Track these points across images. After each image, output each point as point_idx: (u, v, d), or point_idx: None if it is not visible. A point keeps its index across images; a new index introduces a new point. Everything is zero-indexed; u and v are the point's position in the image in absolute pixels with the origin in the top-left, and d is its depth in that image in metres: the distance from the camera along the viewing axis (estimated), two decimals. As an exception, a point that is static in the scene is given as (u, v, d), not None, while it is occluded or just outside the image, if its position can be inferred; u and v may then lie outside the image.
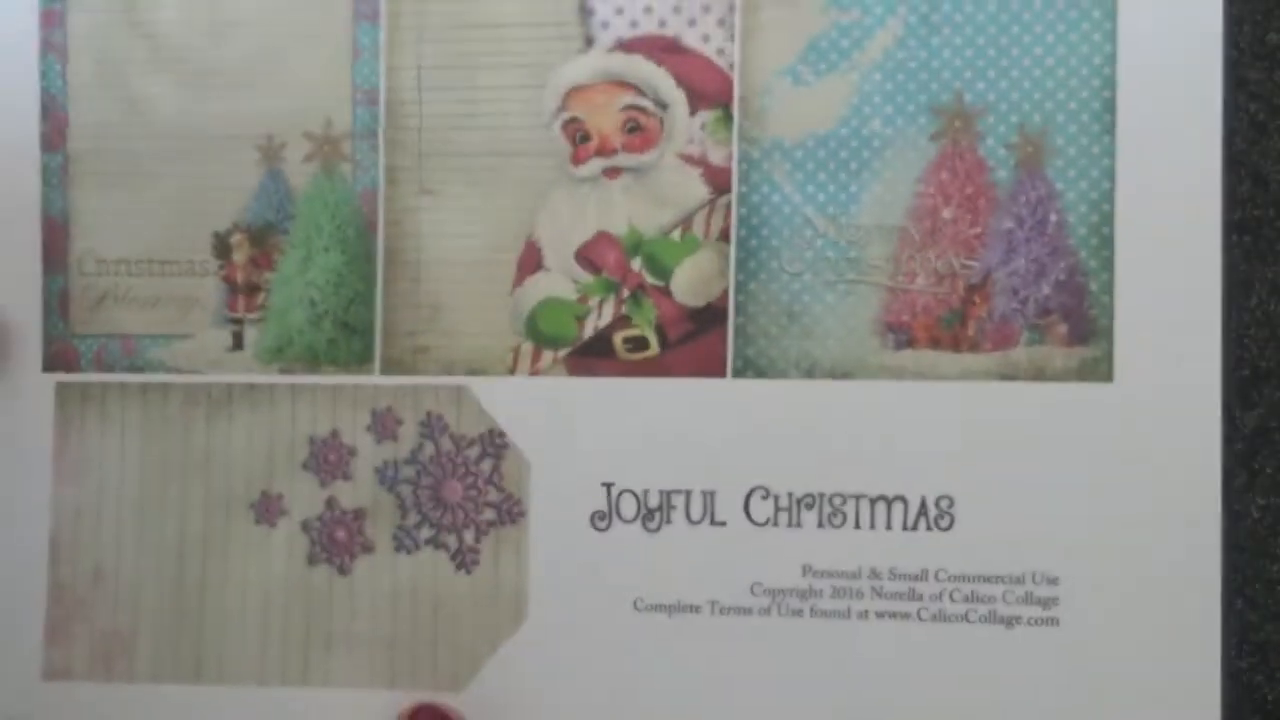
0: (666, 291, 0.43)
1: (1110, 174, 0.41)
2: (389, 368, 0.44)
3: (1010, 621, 0.41)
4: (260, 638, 0.44)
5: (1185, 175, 0.40)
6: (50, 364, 0.45)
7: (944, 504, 0.41)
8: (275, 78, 0.44)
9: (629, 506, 0.43)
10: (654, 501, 0.43)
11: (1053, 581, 0.41)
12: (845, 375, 0.42)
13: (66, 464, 0.45)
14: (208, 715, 0.44)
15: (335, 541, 0.44)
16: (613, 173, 0.43)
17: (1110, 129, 0.41)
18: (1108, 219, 0.41)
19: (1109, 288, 0.41)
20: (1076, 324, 0.41)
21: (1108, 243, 0.41)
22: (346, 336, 0.44)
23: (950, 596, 0.41)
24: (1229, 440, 0.56)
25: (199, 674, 0.44)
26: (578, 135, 0.43)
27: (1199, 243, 0.40)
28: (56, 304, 0.45)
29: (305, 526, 0.44)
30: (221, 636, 0.44)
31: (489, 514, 0.43)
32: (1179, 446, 0.41)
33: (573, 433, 0.43)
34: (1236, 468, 0.57)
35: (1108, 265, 0.41)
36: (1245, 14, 0.54)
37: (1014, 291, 0.41)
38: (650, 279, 0.43)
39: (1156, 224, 0.40)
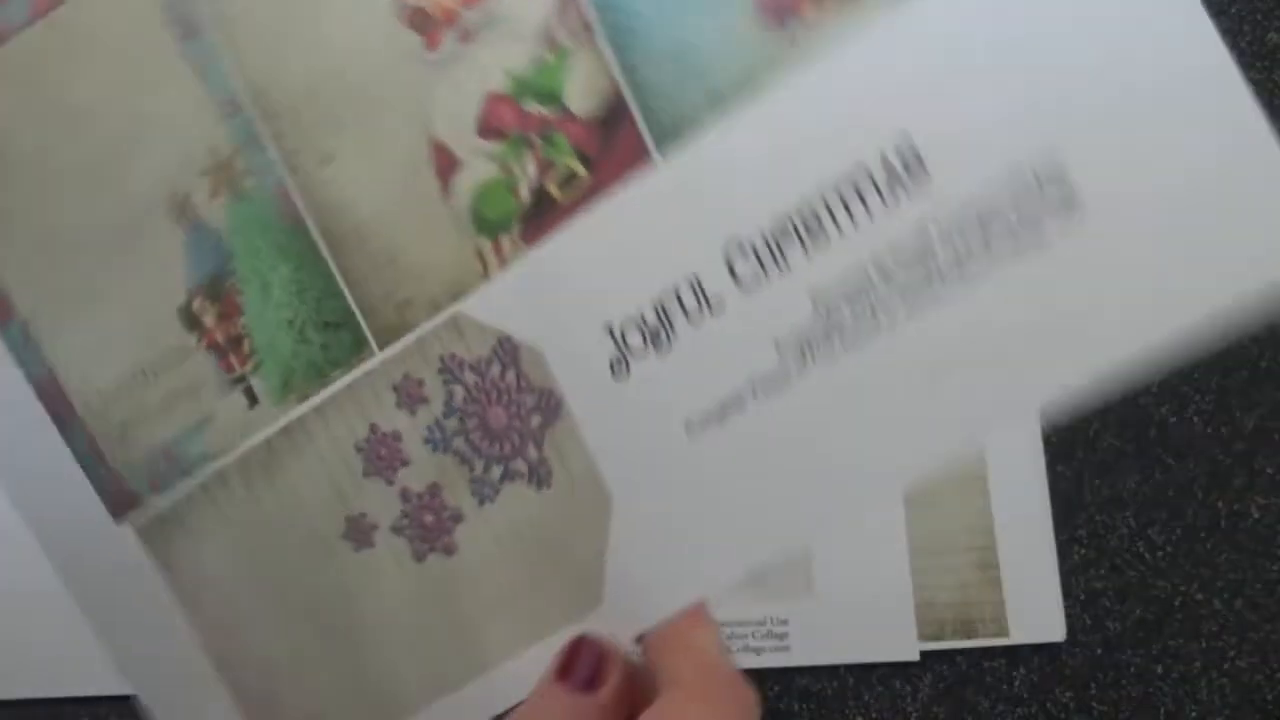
0: (569, 115, 0.51)
1: None
2: (384, 338, 0.54)
3: (1036, 226, 0.47)
4: (417, 654, 0.54)
5: None
6: (117, 511, 0.57)
7: (905, 150, 0.47)
8: (139, 142, 0.56)
9: (635, 338, 0.50)
10: (652, 319, 0.50)
11: (1060, 177, 0.46)
12: (751, 86, 0.49)
13: (185, 591, 0.57)
14: None
15: (428, 527, 0.54)
16: (465, 37, 0.51)
17: None
18: None
19: None
20: None
21: None
22: (334, 334, 0.54)
23: (961, 234, 0.47)
24: (1229, 440, 0.67)
25: (387, 716, 0.55)
26: (423, 22, 0.52)
27: None
28: (89, 454, 0.57)
29: (396, 529, 0.54)
30: (386, 673, 0.55)
31: (535, 420, 0.52)
32: None
33: (559, 299, 0.51)
34: (1236, 468, 0.68)
35: None
36: (1245, 14, 0.62)
37: None
38: (549, 113, 0.51)
39: None
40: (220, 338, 0.56)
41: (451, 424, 0.53)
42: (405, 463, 0.53)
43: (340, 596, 0.55)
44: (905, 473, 0.49)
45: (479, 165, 0.53)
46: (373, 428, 0.54)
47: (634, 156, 0.51)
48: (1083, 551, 0.69)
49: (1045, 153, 0.46)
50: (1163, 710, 0.69)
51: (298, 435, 0.55)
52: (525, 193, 0.52)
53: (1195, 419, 0.69)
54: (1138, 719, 0.69)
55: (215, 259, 0.55)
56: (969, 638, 0.68)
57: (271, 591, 0.56)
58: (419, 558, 0.54)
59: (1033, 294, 0.46)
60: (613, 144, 0.51)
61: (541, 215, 0.52)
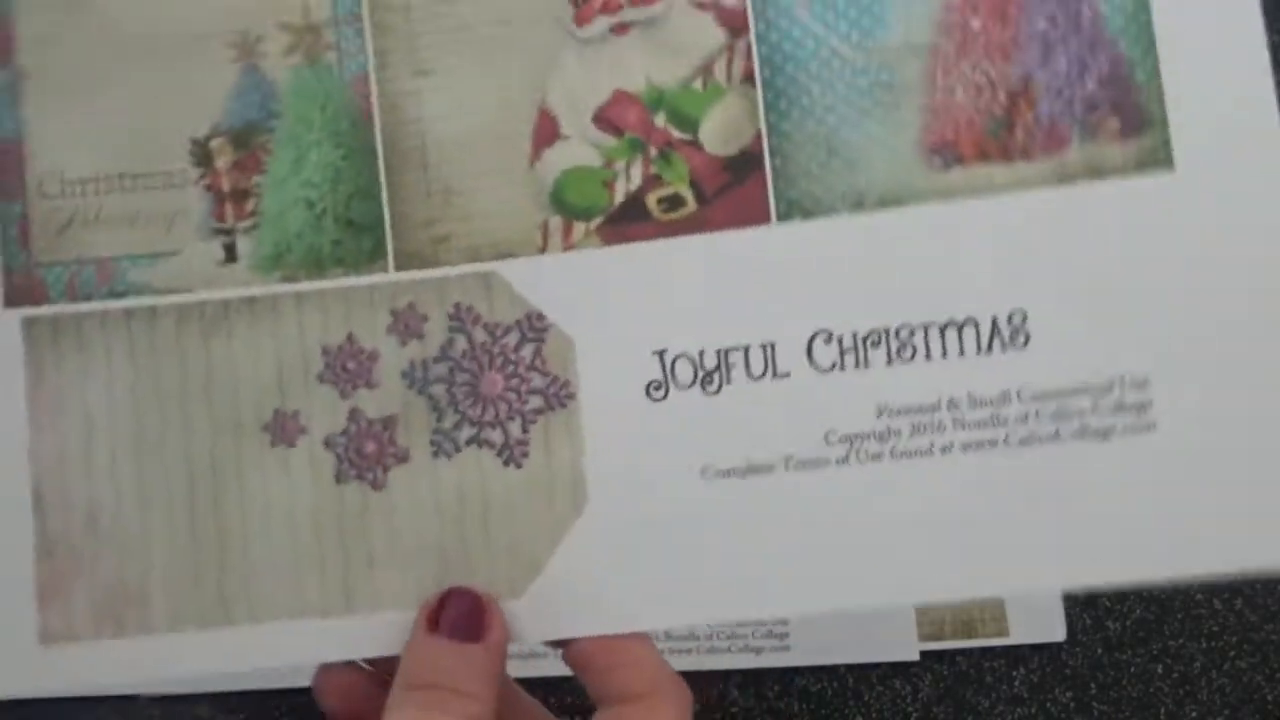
0: (696, 144, 0.52)
1: None
2: (405, 262, 0.53)
3: (1104, 434, 0.51)
4: (292, 568, 0.52)
5: None
6: (13, 299, 0.53)
7: (1017, 320, 0.51)
8: None
9: (685, 371, 0.52)
10: (710, 362, 0.52)
11: (1142, 385, 0.51)
12: (895, 203, 0.52)
13: (43, 407, 0.52)
14: (241, 659, 0.52)
15: (364, 455, 0.53)
16: (621, 29, 0.53)
17: None
18: (1144, 6, 0.51)
19: (1155, 74, 0.51)
20: (1128, 115, 0.51)
21: (1146, 29, 0.51)
22: (353, 235, 0.53)
23: (1036, 416, 0.51)
24: None
25: (228, 615, 0.52)
26: None
27: (1239, 13, 0.51)
28: (16, 233, 0.53)
29: (329, 443, 0.53)
30: (248, 572, 0.52)
31: (535, 401, 0.52)
32: (1251, 224, 0.51)
33: (617, 304, 0.52)
34: None
35: (1150, 52, 0.51)
36: None
37: (1058, 92, 0.51)
38: (677, 133, 0.53)
39: (1193, 3, 0.51)
40: (226, 184, 0.55)
41: (439, 369, 0.54)
42: (370, 385, 0.53)
43: (226, 480, 0.54)
44: (901, 594, 0.52)
45: (579, 149, 0.54)
46: (350, 337, 0.54)
47: (751, 211, 0.53)
48: None
49: (1137, 366, 0.50)
50: (1163, 710, 0.69)
51: (262, 309, 0.54)
52: (620, 193, 0.54)
53: None
54: (1138, 719, 0.69)
55: (258, 110, 0.55)
56: (969, 638, 0.68)
57: (145, 448, 0.54)
58: (340, 478, 0.54)
59: (1079, 483, 0.50)
60: (733, 190, 0.54)
61: (628, 221, 0.54)
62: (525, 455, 0.53)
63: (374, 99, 0.54)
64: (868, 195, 0.53)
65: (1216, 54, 0.52)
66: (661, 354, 0.53)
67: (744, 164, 0.53)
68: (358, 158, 0.54)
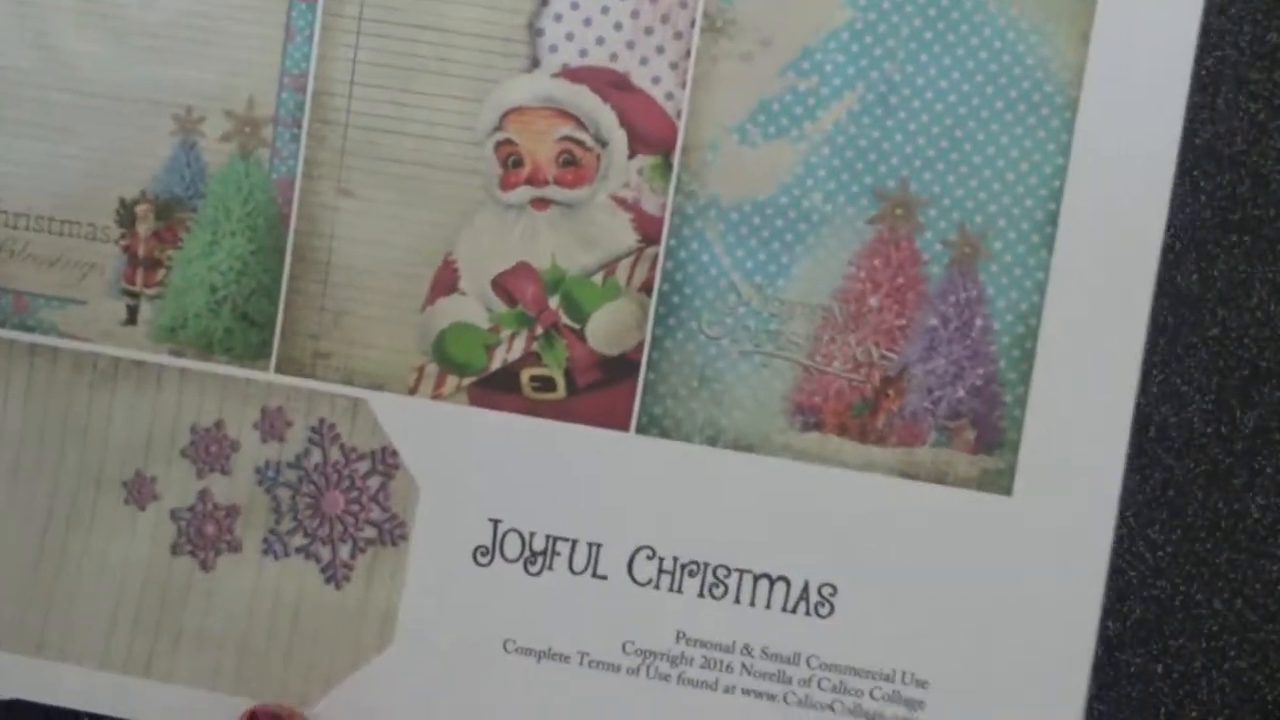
0: (581, 335, 0.54)
1: (1042, 288, 0.52)
2: (285, 367, 0.55)
3: (873, 718, 0.54)
4: (109, 620, 0.56)
5: (1116, 300, 0.52)
6: None
7: (826, 591, 0.53)
8: (202, 48, 0.55)
9: (513, 546, 0.54)
10: (539, 544, 0.54)
11: (922, 684, 0.53)
12: (748, 448, 0.53)
13: None
14: (43, 691, 0.56)
15: (203, 535, 0.55)
16: (541, 204, 0.54)
17: (1049, 243, 0.52)
18: (1033, 333, 0.52)
19: (1023, 401, 0.52)
20: (985, 432, 0.53)
21: (1029, 356, 0.52)
22: (244, 328, 0.55)
23: (819, 684, 0.53)
24: (1229, 440, 0.66)
25: (40, 648, 0.56)
26: (510, 159, 0.54)
27: (1119, 370, 0.52)
28: None
29: (174, 515, 0.55)
30: (70, 613, 0.56)
31: (369, 531, 0.55)
32: (1066, 570, 0.52)
33: (467, 463, 0.54)
34: (1236, 468, 0.66)
35: (1025, 379, 0.52)
36: (1245, 14, 0.61)
37: (929, 390, 0.53)
38: (566, 319, 0.54)
39: (1079, 345, 0.52)
40: (142, 250, 0.57)
41: (290, 475, 0.56)
42: (225, 472, 0.56)
43: (78, 526, 0.57)
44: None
45: (472, 306, 0.56)
46: (219, 423, 0.56)
47: (614, 415, 0.55)
48: None
49: (922, 667, 0.54)
50: (1163, 710, 0.68)
51: (148, 375, 0.57)
52: (497, 359, 0.56)
53: (1195, 419, 0.66)
54: (1137, 719, 0.68)
55: (186, 187, 0.56)
56: None
57: (18, 478, 0.57)
58: (175, 550, 0.57)
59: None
60: (604, 390, 0.56)
61: (498, 388, 0.56)
62: (347, 579, 0.56)
63: (294, 205, 0.56)
64: (725, 433, 0.55)
65: (1086, 401, 0.53)
66: (496, 523, 0.56)
67: (620, 368, 0.55)
68: (266, 256, 0.56)
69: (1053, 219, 0.53)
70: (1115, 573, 0.65)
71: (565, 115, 0.55)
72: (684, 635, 0.55)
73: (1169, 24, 0.52)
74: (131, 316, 0.57)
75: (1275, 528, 0.67)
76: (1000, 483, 0.53)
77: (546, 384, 0.55)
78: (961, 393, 0.53)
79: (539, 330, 0.55)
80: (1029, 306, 0.54)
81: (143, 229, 0.57)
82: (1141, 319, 0.52)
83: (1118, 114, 0.52)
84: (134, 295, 0.57)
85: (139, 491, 0.57)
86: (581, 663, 0.55)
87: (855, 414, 0.53)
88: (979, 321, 0.53)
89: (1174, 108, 0.52)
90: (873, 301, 0.53)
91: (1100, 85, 0.53)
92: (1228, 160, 0.55)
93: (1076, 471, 0.53)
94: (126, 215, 0.57)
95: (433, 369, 0.56)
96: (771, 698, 0.54)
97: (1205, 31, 0.57)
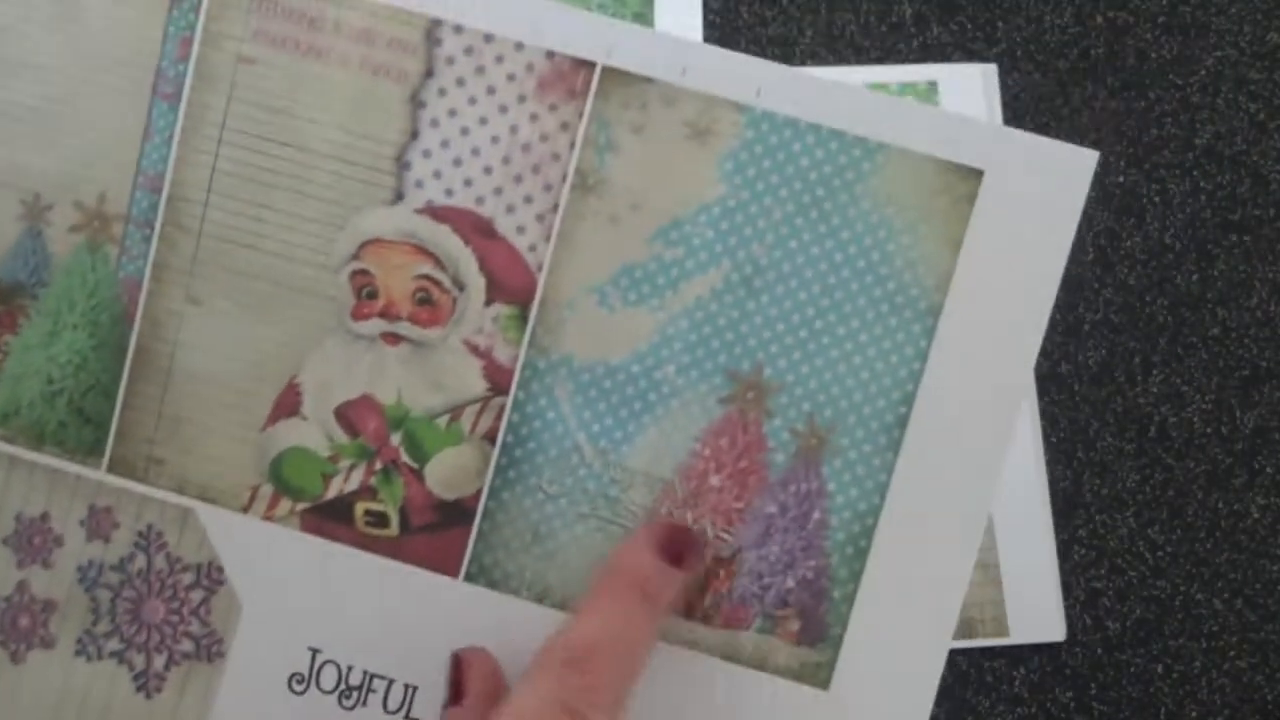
0: (419, 475, 0.54)
1: (883, 489, 0.52)
2: (118, 467, 0.54)
3: None
4: None
5: (956, 510, 0.52)
6: None
7: None
8: (57, 133, 0.53)
9: (330, 677, 0.54)
10: (355, 679, 0.54)
11: None
12: (574, 609, 0.54)
13: None
14: None
15: (17, 627, 0.55)
16: (392, 339, 0.53)
17: (896, 445, 0.52)
18: (868, 532, 0.52)
19: (850, 599, 0.53)
20: (809, 625, 0.53)
21: (861, 555, 0.52)
22: (80, 424, 0.54)
23: None
24: (1229, 440, 0.68)
25: None
26: (364, 289, 0.53)
27: (949, 577, 0.52)
28: None
29: None
30: None
31: (186, 645, 0.54)
32: None
33: (293, 587, 0.54)
34: (1236, 468, 0.69)
35: (855, 577, 0.52)
36: (1245, 14, 0.64)
37: (759, 575, 0.52)
38: (406, 458, 0.54)
39: (912, 552, 0.52)
40: (-24, 335, 0.54)
41: (111, 577, 0.55)
42: (46, 566, 0.55)
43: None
44: None
45: (312, 433, 0.55)
46: (45, 515, 0.55)
47: (444, 559, 0.55)
48: (1083, 551, 0.68)
49: None
50: (1163, 710, 0.68)
51: (-26, 460, 0.54)
52: (333, 489, 0.55)
53: (1195, 419, 0.69)
54: (1138, 719, 0.69)
55: (29, 274, 0.55)
56: (969, 638, 0.68)
57: None
58: (-11, 638, 0.55)
59: None
60: (437, 533, 0.55)
61: (331, 518, 0.56)
62: (159, 690, 0.56)
63: (140, 306, 0.55)
64: (553, 591, 0.55)
65: (910, 609, 0.53)
66: (315, 652, 0.55)
67: (455, 513, 0.55)
68: (107, 354, 0.55)
69: (902, 422, 0.53)
70: (1115, 572, 0.69)
71: (425, 253, 0.54)
72: None
73: (1040, 241, 0.52)
74: (-39, 400, 0.55)
75: (1275, 528, 0.69)
76: (819, 676, 0.54)
77: (380, 519, 0.55)
78: (791, 583, 0.53)
79: (378, 465, 0.55)
80: (867, 506, 0.54)
81: (-21, 312, 0.54)
82: (977, 531, 0.52)
83: (980, 326, 0.52)
84: (-35, 379, 0.54)
85: (-47, 573, 0.55)
86: None
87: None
88: (816, 514, 0.53)
89: (1035, 324, 0.52)
90: (714, 481, 0.53)
91: (966, 294, 0.52)
92: (1228, 160, 0.57)
93: (895, 673, 0.53)
94: (-35, 296, 0.54)
95: (267, 489, 0.55)
96: None
97: (1205, 31, 0.60)
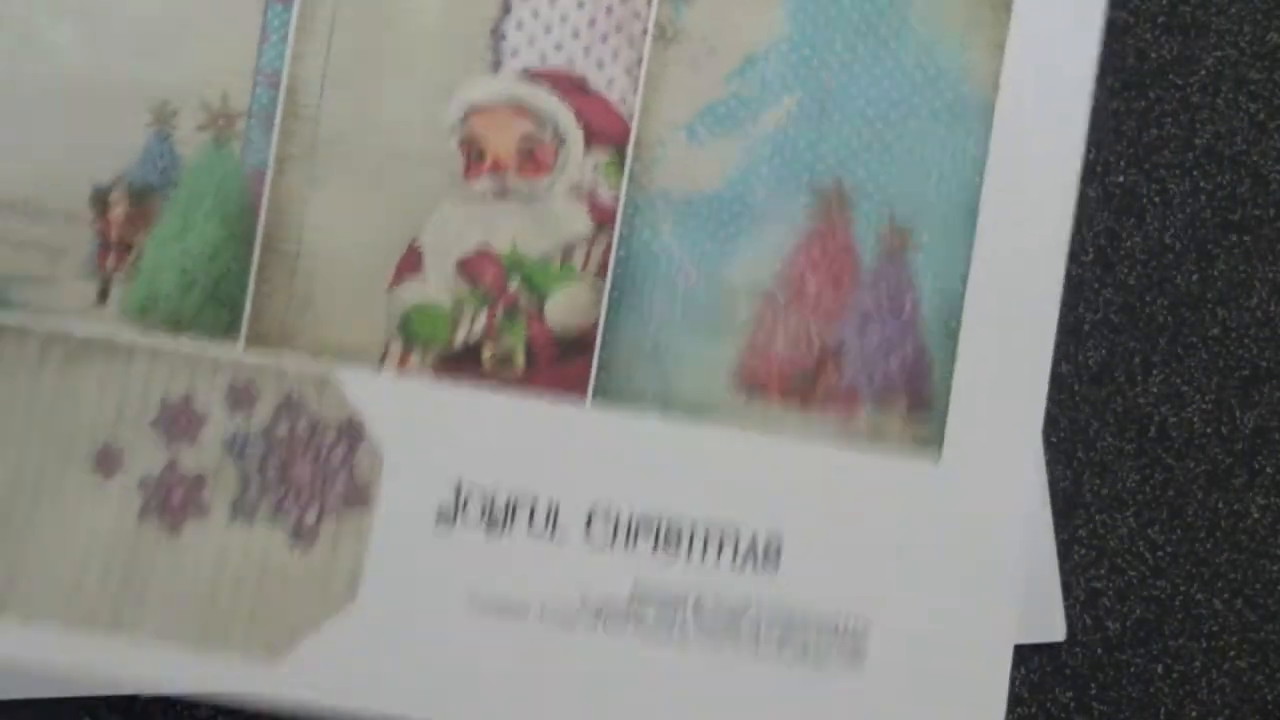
0: (539, 315, 0.58)
1: (964, 275, 0.58)
2: (254, 344, 0.58)
3: (820, 660, 0.58)
4: (74, 580, 0.58)
5: (1031, 282, 0.58)
6: None
7: (772, 547, 0.59)
8: (179, 43, 0.58)
9: (475, 508, 0.58)
10: (499, 506, 0.58)
11: (863, 628, 0.58)
12: (697, 416, 0.58)
13: None
14: (4, 650, 0.58)
15: (169, 501, 0.58)
16: (503, 193, 0.59)
17: (970, 234, 0.58)
18: (956, 313, 0.58)
19: (949, 375, 0.58)
20: (916, 402, 0.58)
21: (953, 335, 0.58)
22: (214, 308, 0.58)
23: (767, 631, 0.58)
24: (1229, 440, 0.68)
25: (3, 607, 0.58)
26: (473, 152, 0.58)
27: (1032, 352, 0.58)
28: None
29: (142, 483, 0.58)
30: (34, 573, 0.57)
31: (335, 499, 0.58)
32: (990, 527, 0.58)
33: (432, 432, 0.58)
34: (1236, 468, 0.68)
35: (951, 355, 0.58)
36: (1245, 14, 0.64)
37: (863, 363, 0.58)
38: (525, 301, 0.59)
39: (997, 326, 0.58)
40: (114, 235, 0.59)
41: (257, 445, 0.58)
42: (192, 442, 0.58)
43: (42, 495, 0.59)
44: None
45: (435, 289, 0.60)
46: (187, 398, 0.58)
47: (571, 387, 0.59)
48: (1083, 551, 0.69)
49: (858, 611, 0.58)
50: (1163, 710, 0.68)
51: (119, 353, 0.59)
52: (459, 337, 0.59)
53: (1195, 419, 0.68)
54: (1138, 719, 0.68)
55: (159, 176, 0.59)
56: None
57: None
58: (142, 515, 0.59)
59: (790, 700, 0.57)
60: (560, 366, 0.59)
61: (460, 364, 0.60)
62: (313, 543, 0.59)
63: (265, 195, 0.59)
64: (675, 402, 0.59)
65: (1006, 375, 0.58)
66: (459, 487, 0.59)
67: (575, 345, 0.59)
68: (236, 243, 0.59)
69: (972, 215, 0.59)
70: (1115, 572, 0.68)
71: (525, 113, 0.59)
72: (638, 588, 0.58)
73: (1074, 37, 0.58)
74: (103, 296, 0.59)
75: (1275, 528, 0.68)
76: (929, 445, 0.59)
77: (506, 360, 0.59)
78: (894, 366, 0.58)
79: (500, 310, 0.59)
80: (952, 290, 0.59)
81: (116, 214, 0.59)
82: (1053, 305, 0.58)
83: (1029, 117, 0.58)
84: (106, 277, 0.59)
85: (106, 461, 0.59)
86: (540, 617, 0.59)
87: (796, 385, 0.58)
88: (908, 303, 0.59)
89: (1079, 112, 0.59)
90: (811, 286, 0.58)
91: (1013, 89, 0.59)
92: (1228, 160, 0.59)
93: (997, 435, 0.58)
94: (100, 202, 0.59)
95: (398, 344, 0.59)
96: (722, 646, 0.58)
97: (1205, 31, 0.62)
